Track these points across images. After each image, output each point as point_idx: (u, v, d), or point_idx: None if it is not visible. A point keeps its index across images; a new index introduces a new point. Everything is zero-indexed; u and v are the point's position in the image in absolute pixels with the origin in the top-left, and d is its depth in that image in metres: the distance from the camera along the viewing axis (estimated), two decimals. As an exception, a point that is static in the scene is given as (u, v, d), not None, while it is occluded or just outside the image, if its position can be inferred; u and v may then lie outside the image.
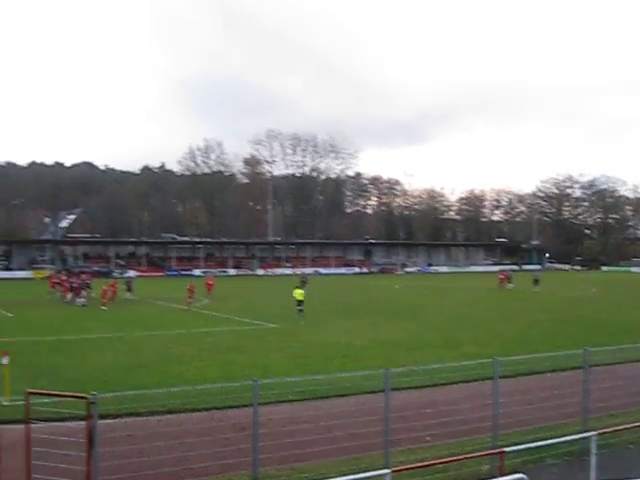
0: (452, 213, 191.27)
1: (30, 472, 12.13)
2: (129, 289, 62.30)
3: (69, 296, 59.08)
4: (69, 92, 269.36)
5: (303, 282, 64.02)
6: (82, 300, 56.45)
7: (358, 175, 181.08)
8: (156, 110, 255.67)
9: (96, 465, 12.17)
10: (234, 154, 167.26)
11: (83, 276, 64.76)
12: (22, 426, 12.67)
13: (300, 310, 47.98)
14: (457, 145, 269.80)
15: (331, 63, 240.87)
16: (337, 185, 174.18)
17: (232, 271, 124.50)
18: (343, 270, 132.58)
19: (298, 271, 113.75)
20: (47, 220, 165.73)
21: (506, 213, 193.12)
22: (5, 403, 20.51)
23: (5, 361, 21.27)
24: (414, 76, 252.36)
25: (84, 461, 12.21)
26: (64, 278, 68.40)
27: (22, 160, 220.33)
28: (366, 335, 37.62)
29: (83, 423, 12.46)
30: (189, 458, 14.77)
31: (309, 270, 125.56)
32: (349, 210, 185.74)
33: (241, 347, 33.36)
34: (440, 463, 13.54)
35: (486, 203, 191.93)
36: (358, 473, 13.18)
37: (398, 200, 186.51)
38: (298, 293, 49.30)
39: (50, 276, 73.13)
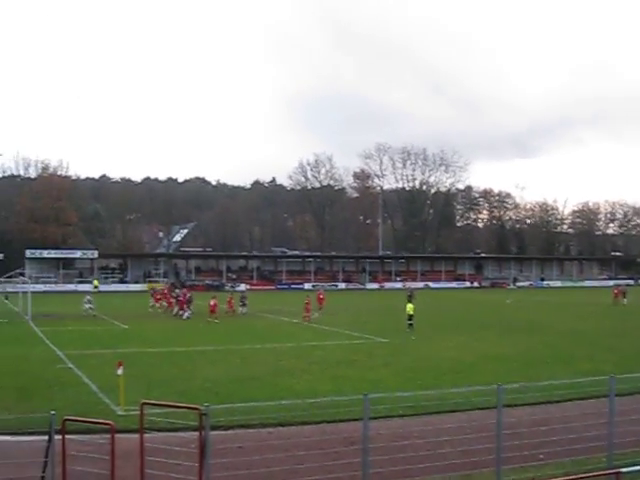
0: (565, 226, 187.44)
1: (144, 481, 12.38)
2: (243, 304, 62.82)
3: (175, 309, 60.21)
4: (182, 110, 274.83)
5: (410, 296, 63.88)
6: (187, 313, 57.50)
7: (468, 188, 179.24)
8: (267, 125, 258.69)
9: (207, 476, 12.32)
10: (344, 168, 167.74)
11: (184, 290, 65.86)
12: (136, 435, 12.91)
13: (410, 324, 47.87)
14: (569, 157, 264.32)
15: (441, 75, 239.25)
16: (447, 198, 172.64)
17: (342, 285, 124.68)
18: (454, 284, 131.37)
19: (405, 285, 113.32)
20: (161, 234, 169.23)
21: (621, 226, 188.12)
22: (120, 413, 20.97)
23: (120, 372, 21.76)
24: (525, 87, 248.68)
25: (196, 471, 12.38)
26: (165, 292, 70.13)
27: (137, 176, 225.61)
28: (477, 350, 37.17)
29: (195, 434, 12.63)
30: (299, 471, 14.81)
31: (419, 284, 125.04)
32: (459, 224, 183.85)
33: (351, 361, 33.34)
34: (553, 482, 13.25)
35: (600, 216, 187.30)
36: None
37: (509, 213, 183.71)
38: (409, 307, 49.15)
39: (154, 291, 74.54)
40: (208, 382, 27.16)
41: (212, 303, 56.09)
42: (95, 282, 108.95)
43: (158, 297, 69.42)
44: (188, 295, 60.93)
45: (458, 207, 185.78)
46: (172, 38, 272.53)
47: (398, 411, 19.81)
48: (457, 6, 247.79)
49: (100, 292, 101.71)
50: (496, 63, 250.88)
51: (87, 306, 60.25)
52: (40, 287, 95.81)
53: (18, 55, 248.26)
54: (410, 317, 48.43)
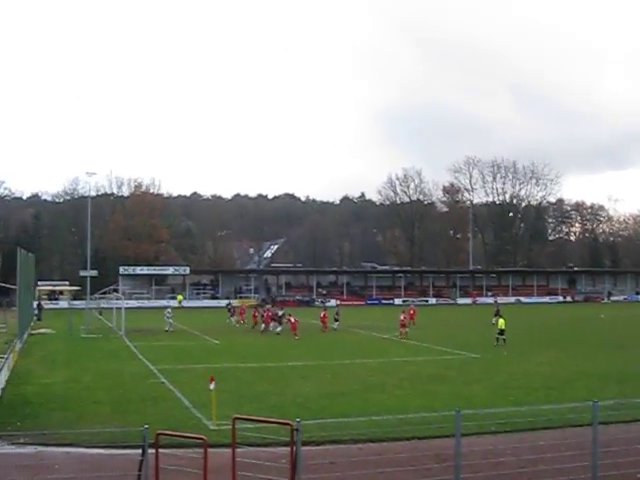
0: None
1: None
2: (337, 319, 62.88)
3: (262, 326, 60.49)
4: (272, 127, 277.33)
5: (497, 311, 63.40)
6: (278, 328, 57.64)
7: (560, 201, 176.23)
8: (355, 141, 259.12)
9: (299, 491, 12.31)
10: (433, 182, 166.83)
11: (267, 307, 66.09)
12: (228, 450, 12.98)
13: (503, 339, 47.63)
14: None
15: (531, 87, 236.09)
16: (538, 212, 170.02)
17: (432, 300, 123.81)
18: (546, 299, 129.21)
19: (495, 300, 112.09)
20: (251, 250, 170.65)
21: None
22: (212, 427, 21.13)
23: (212, 387, 21.95)
24: (617, 97, 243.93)
25: (288, 487, 12.39)
26: (243, 308, 71.00)
27: (227, 193, 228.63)
28: (571, 366, 36.51)
29: (287, 449, 12.64)
30: (390, 487, 14.70)
31: (511, 299, 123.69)
32: (551, 237, 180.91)
33: (442, 377, 33.06)
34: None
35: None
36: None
37: (603, 226, 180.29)
38: (500, 322, 48.91)
39: (232, 306, 75.54)
40: (299, 397, 27.22)
41: (292, 321, 56.24)
42: (179, 297, 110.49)
43: (241, 312, 70.82)
44: (274, 312, 61.53)
45: (550, 220, 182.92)
46: (262, 56, 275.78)
47: (490, 428, 19.54)
48: (546, 16, 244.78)
49: (184, 307, 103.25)
50: (587, 73, 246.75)
51: (169, 320, 61.50)
52: (133, 303, 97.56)
53: (110, 77, 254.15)
54: (501, 332, 48.11)
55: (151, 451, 12.00)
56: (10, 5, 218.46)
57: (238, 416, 13.45)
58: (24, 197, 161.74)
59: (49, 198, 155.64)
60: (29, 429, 20.85)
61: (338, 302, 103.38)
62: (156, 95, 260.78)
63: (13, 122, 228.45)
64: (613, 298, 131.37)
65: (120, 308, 61.03)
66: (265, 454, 15.23)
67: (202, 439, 12.02)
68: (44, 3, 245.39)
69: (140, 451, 12.29)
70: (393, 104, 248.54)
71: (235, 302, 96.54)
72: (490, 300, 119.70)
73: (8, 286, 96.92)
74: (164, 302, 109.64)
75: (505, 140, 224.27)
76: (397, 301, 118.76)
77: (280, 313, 59.92)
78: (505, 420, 18.99)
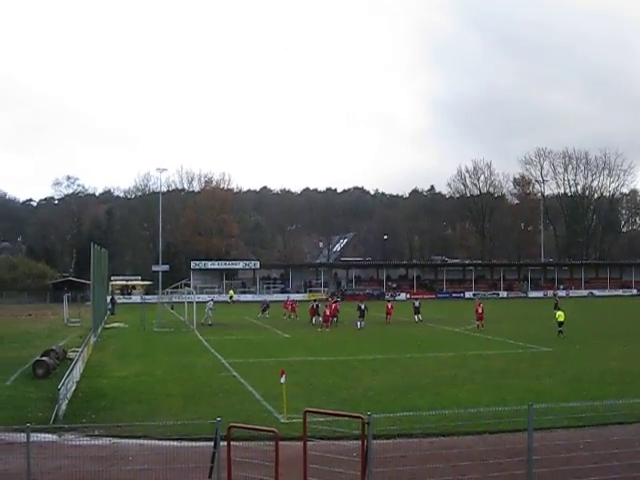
0: None
1: (307, 488, 12.48)
2: (417, 312, 63.04)
3: (314, 319, 60.72)
4: (341, 121, 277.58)
5: (556, 304, 63.03)
6: (361, 323, 57.46)
7: (634, 192, 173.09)
8: (424, 133, 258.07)
9: (370, 484, 12.32)
10: (503, 175, 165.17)
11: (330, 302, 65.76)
12: (299, 443, 13.04)
13: (560, 331, 48.13)
14: None
15: (604, 75, 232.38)
16: (611, 203, 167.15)
17: (503, 293, 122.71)
18: (619, 292, 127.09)
19: (554, 293, 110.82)
20: (321, 244, 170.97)
21: None
22: (283, 421, 21.25)
23: (283, 380, 22.06)
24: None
25: (358, 480, 12.41)
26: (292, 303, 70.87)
27: (296, 187, 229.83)
28: (645, 360, 35.88)
29: (357, 442, 12.66)
30: (461, 482, 14.64)
31: (584, 292, 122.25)
32: (625, 229, 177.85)
33: (514, 370, 32.77)
34: None
35: None
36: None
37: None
38: (559, 314, 49.75)
39: (286, 301, 75.24)
40: (370, 391, 27.23)
41: (327, 312, 57.81)
42: (230, 292, 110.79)
43: (292, 307, 70.82)
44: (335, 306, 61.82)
45: (623, 212, 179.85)
46: (331, 51, 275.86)
47: (563, 422, 19.32)
48: (618, 2, 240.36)
49: (235, 302, 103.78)
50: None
51: (210, 313, 62.10)
52: (204, 297, 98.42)
53: (181, 74, 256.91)
54: (560, 324, 48.69)
55: (223, 443, 12.11)
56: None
57: (309, 409, 13.51)
58: (97, 193, 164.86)
59: (121, 194, 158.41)
60: (103, 421, 21.23)
61: (408, 296, 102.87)
62: (226, 90, 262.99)
63: (86, 119, 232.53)
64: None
65: (192, 302, 61.64)
66: (336, 447, 15.28)
67: (274, 432, 12.10)
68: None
69: (212, 443, 12.41)
70: (463, 95, 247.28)
71: (305, 296, 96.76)
72: (562, 293, 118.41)
73: (82, 281, 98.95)
74: (235, 296, 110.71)
75: (577, 130, 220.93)
76: (467, 294, 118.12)
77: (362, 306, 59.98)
78: (578, 414, 18.74)
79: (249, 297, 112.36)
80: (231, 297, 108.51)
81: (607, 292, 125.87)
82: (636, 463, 15.03)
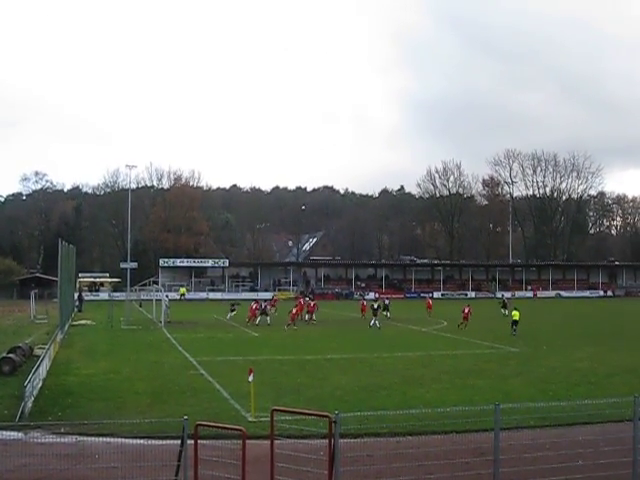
0: None
1: (274, 487, 12.49)
2: (386, 309, 64.01)
3: (259, 319, 59.53)
4: (311, 120, 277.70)
5: (504, 303, 69.71)
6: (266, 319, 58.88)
7: (601, 195, 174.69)
8: (396, 133, 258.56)
9: (337, 483, 12.34)
10: (472, 176, 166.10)
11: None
12: (267, 442, 13.04)
13: (513, 330, 50.60)
14: None
15: (577, 80, 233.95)
16: (579, 205, 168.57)
17: (472, 293, 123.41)
18: (586, 293, 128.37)
19: (509, 294, 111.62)
20: (290, 243, 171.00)
21: None
22: (251, 419, 21.24)
23: (251, 379, 22.05)
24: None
25: (325, 479, 12.41)
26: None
27: (266, 186, 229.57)
28: (611, 361, 36.20)
29: (325, 441, 12.67)
30: (428, 481, 14.69)
31: (551, 293, 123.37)
32: (592, 231, 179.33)
33: (481, 370, 32.96)
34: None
35: None
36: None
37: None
38: (515, 314, 51.85)
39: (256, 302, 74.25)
40: (338, 390, 27.27)
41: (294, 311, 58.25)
42: (182, 290, 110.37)
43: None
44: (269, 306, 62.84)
45: (591, 214, 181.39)
46: (304, 50, 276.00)
47: (530, 422, 19.45)
48: (589, 6, 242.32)
49: (186, 300, 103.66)
50: (632, 64, 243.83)
51: (167, 311, 61.64)
52: (173, 295, 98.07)
53: (150, 71, 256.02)
54: (515, 322, 51.12)
55: (190, 442, 12.09)
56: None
57: (276, 408, 13.50)
58: (65, 189, 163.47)
59: (90, 190, 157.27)
60: (70, 419, 21.08)
61: (376, 295, 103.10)
62: (196, 88, 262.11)
63: (54, 114, 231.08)
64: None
65: (160, 300, 61.44)
66: (303, 446, 15.28)
67: (241, 430, 12.09)
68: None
69: (179, 442, 12.39)
70: (433, 96, 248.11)
71: (275, 294, 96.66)
72: (530, 294, 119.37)
73: (50, 278, 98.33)
74: (203, 294, 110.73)
75: (547, 133, 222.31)
76: (436, 294, 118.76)
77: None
78: (544, 414, 18.88)
79: (218, 295, 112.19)
80: (182, 294, 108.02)
81: (574, 293, 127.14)
82: (601, 463, 15.15)
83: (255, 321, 59.29)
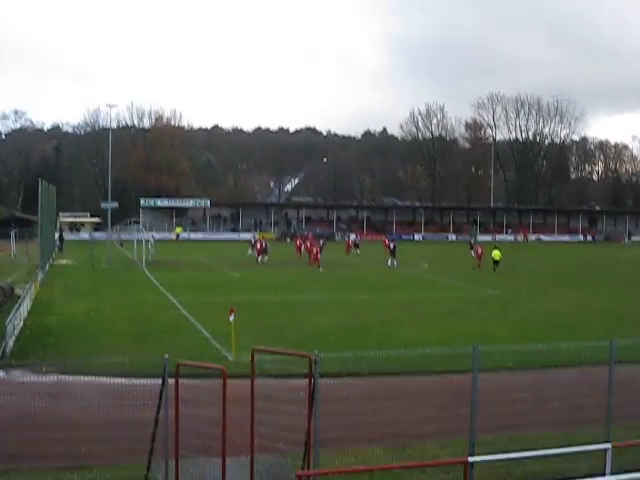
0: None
1: (254, 424, 12.58)
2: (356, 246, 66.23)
3: (260, 258, 62.02)
4: (294, 60, 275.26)
5: (470, 244, 74.82)
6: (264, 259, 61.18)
7: (584, 140, 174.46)
8: (378, 74, 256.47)
9: (316, 422, 12.46)
10: (456, 118, 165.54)
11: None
12: (247, 381, 13.13)
13: (495, 268, 54.25)
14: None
15: (565, 22, 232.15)
16: (562, 150, 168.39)
17: (452, 236, 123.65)
18: (566, 238, 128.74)
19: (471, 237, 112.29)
20: (272, 184, 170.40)
21: None
22: (232, 359, 21.39)
23: (232, 319, 22.14)
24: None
25: (305, 417, 12.54)
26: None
27: (248, 126, 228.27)
28: (590, 305, 36.58)
29: (305, 381, 12.77)
30: (406, 420, 14.87)
31: (531, 237, 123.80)
32: (574, 176, 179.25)
33: (461, 313, 33.20)
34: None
35: None
36: (577, 446, 12.88)
37: (626, 166, 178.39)
38: (495, 253, 54.97)
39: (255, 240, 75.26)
40: (318, 331, 27.46)
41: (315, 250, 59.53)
42: (177, 229, 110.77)
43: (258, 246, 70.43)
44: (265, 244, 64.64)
45: (573, 159, 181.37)
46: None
47: (508, 364, 19.64)
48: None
49: (186, 241, 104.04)
50: (619, 8, 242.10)
51: (152, 250, 62.23)
52: (154, 235, 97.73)
53: (132, 7, 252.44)
54: (496, 262, 54.65)
55: (171, 381, 12.17)
56: None
57: (257, 348, 13.56)
58: (45, 128, 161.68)
59: (70, 130, 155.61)
60: (51, 358, 21.17)
61: (358, 237, 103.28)
62: (178, 25, 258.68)
63: (34, 52, 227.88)
64: (634, 238, 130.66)
65: (141, 240, 61.36)
66: (283, 385, 15.43)
67: (222, 369, 12.15)
68: None
69: (160, 381, 12.46)
70: (417, 37, 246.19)
71: (256, 235, 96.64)
72: (510, 238, 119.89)
73: (30, 217, 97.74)
74: (184, 235, 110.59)
75: (532, 76, 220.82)
76: (417, 237, 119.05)
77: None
78: (522, 357, 19.07)
79: (199, 236, 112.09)
80: (178, 234, 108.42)
81: (554, 238, 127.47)
82: (577, 404, 15.38)
83: (264, 258, 61.57)
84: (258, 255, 62.67)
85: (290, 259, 64.16)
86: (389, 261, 59.32)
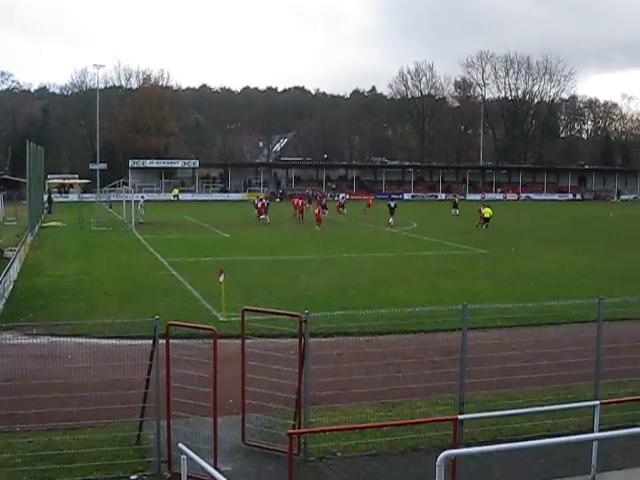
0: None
1: (244, 384, 12.65)
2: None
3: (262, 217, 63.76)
4: (281, 18, 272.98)
5: (454, 203, 77.77)
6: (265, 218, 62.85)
7: (573, 98, 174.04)
8: (366, 32, 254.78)
9: (307, 381, 12.53)
10: (445, 77, 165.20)
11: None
12: (237, 341, 13.17)
13: (486, 225, 56.85)
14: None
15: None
16: (551, 109, 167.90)
17: (442, 195, 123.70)
18: (556, 196, 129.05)
19: (480, 197, 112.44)
20: (261, 144, 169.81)
21: None
22: (222, 319, 21.46)
23: (222, 279, 22.18)
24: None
25: (295, 377, 12.61)
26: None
27: (236, 86, 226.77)
28: (579, 264, 36.72)
29: (295, 340, 12.83)
30: (397, 379, 14.95)
31: (521, 195, 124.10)
32: (563, 135, 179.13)
33: (450, 272, 33.32)
34: (652, 397, 13.10)
35: None
36: (566, 403, 12.99)
37: (615, 124, 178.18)
38: (487, 211, 57.43)
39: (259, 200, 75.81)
40: (308, 290, 27.54)
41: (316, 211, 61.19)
42: (175, 191, 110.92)
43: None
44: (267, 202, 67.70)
45: (562, 117, 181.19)
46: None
47: (496, 322, 19.74)
48: None
49: (181, 201, 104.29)
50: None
51: (141, 211, 62.75)
52: (145, 196, 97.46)
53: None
54: (487, 219, 57.30)
55: (162, 341, 12.20)
56: None
57: (247, 307, 13.59)
58: (32, 90, 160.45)
59: (57, 91, 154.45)
60: (42, 320, 21.21)
61: (347, 196, 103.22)
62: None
63: (19, 11, 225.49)
64: (623, 197, 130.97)
65: (130, 201, 61.25)
66: (274, 345, 15.48)
67: (212, 330, 12.17)
68: None
69: (151, 341, 12.49)
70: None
71: (244, 196, 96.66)
72: (500, 197, 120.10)
73: (18, 179, 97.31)
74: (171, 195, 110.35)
75: (522, 34, 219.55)
76: (406, 196, 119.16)
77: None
78: (512, 315, 19.15)
79: (188, 196, 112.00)
80: (176, 195, 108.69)
81: (544, 196, 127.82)
82: (565, 362, 15.44)
83: (265, 218, 63.17)
84: (259, 215, 63.85)
85: (281, 219, 64.19)
86: (391, 219, 60.63)
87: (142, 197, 67.51)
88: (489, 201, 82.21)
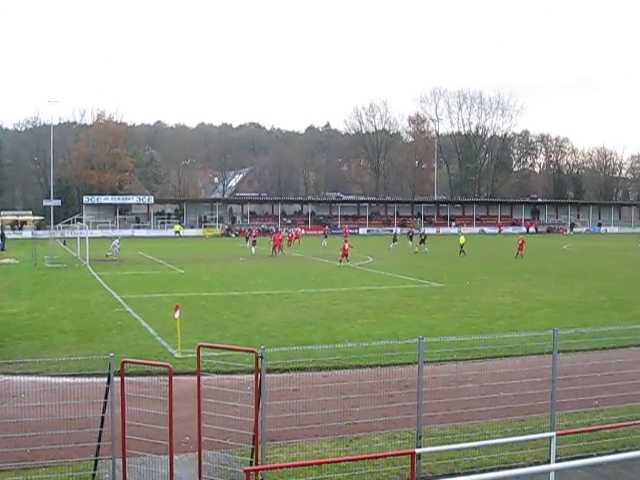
0: (624, 171, 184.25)
1: (201, 421, 12.57)
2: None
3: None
4: (236, 55, 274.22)
5: (410, 235, 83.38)
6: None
7: (525, 132, 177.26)
8: (321, 69, 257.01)
9: (263, 417, 12.48)
10: (399, 112, 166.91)
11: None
12: (193, 378, 13.11)
13: (462, 252, 63.92)
14: (630, 97, 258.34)
15: (501, 26, 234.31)
16: (503, 143, 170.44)
17: (397, 230, 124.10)
18: (510, 229, 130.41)
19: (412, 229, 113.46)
20: (216, 179, 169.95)
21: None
22: (177, 356, 21.31)
23: (177, 315, 22.06)
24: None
25: (252, 413, 12.55)
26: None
27: (191, 122, 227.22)
28: (533, 296, 37.00)
29: (251, 376, 12.78)
30: (353, 413, 14.94)
31: (475, 229, 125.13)
32: (516, 168, 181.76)
33: (406, 306, 33.40)
34: (607, 428, 13.23)
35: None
36: (523, 435, 13.06)
37: (567, 158, 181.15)
38: (461, 239, 65.08)
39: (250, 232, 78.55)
40: (264, 326, 27.44)
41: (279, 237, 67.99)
42: (177, 227, 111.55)
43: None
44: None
45: (514, 151, 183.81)
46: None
47: (453, 355, 19.82)
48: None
49: (182, 237, 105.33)
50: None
51: (115, 249, 62.60)
52: (97, 232, 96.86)
53: (71, 4, 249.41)
54: (461, 246, 64.24)
55: (117, 379, 12.10)
56: None
57: (203, 344, 13.53)
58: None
59: (10, 127, 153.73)
60: (-6, 358, 20.89)
61: (303, 231, 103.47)
62: (118, 22, 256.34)
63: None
64: (575, 229, 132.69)
65: (84, 238, 60.78)
66: (230, 381, 15.39)
67: (167, 367, 12.11)
68: None
69: (106, 379, 12.38)
70: (360, 30, 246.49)
71: (200, 232, 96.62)
72: (455, 230, 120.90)
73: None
74: (128, 232, 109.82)
75: (473, 70, 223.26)
76: (362, 230, 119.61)
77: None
78: (468, 348, 19.25)
79: (143, 232, 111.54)
80: (177, 231, 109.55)
81: (498, 229, 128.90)
82: (521, 394, 15.56)
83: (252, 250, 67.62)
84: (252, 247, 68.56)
85: (235, 254, 64.22)
86: (391, 245, 73.38)
87: (117, 239, 67.17)
88: (445, 235, 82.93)
